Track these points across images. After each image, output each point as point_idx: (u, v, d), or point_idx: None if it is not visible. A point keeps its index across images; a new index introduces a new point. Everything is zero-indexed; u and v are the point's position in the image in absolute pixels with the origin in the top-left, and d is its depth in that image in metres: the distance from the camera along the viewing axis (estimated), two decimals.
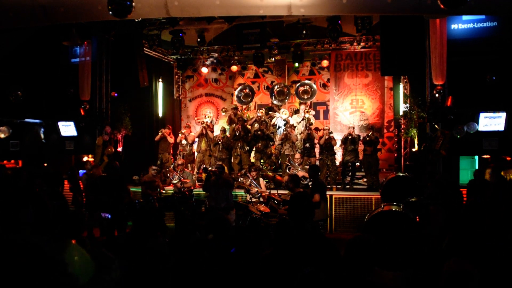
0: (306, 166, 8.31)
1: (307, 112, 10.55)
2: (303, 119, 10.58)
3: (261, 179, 7.79)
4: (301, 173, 7.60)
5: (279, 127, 10.91)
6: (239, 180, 7.89)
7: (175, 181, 7.93)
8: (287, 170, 8.09)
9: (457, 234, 2.96)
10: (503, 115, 8.02)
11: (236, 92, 12.36)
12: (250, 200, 7.48)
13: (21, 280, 1.18)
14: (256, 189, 7.40)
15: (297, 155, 8.69)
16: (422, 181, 7.04)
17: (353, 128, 9.79)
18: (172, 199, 7.59)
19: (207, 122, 10.85)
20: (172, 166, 9.71)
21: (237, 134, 10.05)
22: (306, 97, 11.59)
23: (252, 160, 10.31)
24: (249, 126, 10.49)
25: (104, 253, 1.53)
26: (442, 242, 3.61)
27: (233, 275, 2.90)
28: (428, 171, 7.59)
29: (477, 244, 2.73)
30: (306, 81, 11.86)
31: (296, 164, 8.20)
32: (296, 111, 11.73)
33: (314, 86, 11.69)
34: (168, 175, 8.42)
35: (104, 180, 6.91)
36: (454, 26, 8.51)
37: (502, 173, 8.96)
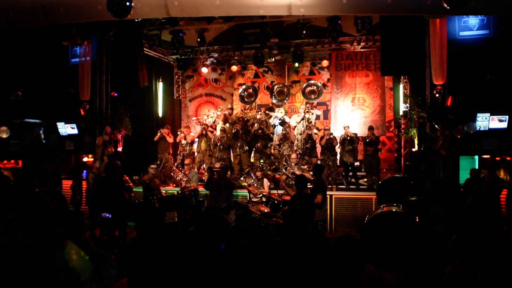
0: (302, 166, 8.27)
1: (307, 112, 10.51)
2: (302, 119, 10.52)
3: (265, 180, 7.75)
4: (297, 173, 7.58)
5: (275, 126, 10.90)
6: (240, 179, 7.88)
7: (178, 177, 7.92)
8: (284, 170, 8.06)
9: (463, 235, 2.95)
10: (505, 117, 8.03)
11: (239, 91, 12.32)
12: (251, 200, 7.47)
13: (22, 281, 1.19)
14: (257, 190, 7.39)
15: (293, 155, 8.62)
16: (418, 180, 7.01)
17: (348, 127, 9.76)
18: (172, 199, 7.58)
19: (208, 122, 10.84)
20: (175, 165, 9.67)
21: (236, 132, 10.04)
22: (313, 97, 11.50)
23: (252, 160, 10.30)
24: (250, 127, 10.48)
25: (101, 252, 1.55)
26: (442, 242, 3.60)
27: (225, 272, 2.89)
28: (424, 170, 7.56)
29: (482, 245, 2.72)
30: (313, 81, 11.79)
31: (293, 164, 8.18)
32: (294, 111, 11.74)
33: (320, 85, 11.61)
34: (172, 174, 8.40)
35: (106, 179, 6.93)
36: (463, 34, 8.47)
37: (502, 174, 8.95)
